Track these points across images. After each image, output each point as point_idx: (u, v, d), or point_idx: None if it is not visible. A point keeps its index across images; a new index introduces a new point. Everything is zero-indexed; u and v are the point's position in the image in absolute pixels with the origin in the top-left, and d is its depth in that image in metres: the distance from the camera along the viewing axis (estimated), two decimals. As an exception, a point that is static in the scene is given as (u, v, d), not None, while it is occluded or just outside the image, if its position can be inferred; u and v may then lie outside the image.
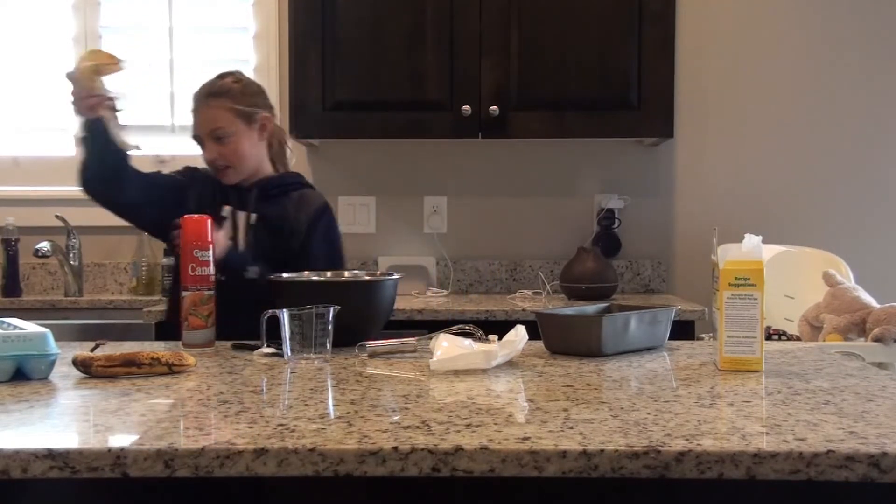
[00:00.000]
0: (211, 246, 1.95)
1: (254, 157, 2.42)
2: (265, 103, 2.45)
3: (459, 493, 1.20)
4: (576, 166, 3.56)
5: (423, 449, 1.10)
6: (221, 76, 2.43)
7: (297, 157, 3.57)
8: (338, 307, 1.77)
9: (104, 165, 2.33)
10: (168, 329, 2.83)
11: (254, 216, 2.38)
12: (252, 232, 2.37)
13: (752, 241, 1.66)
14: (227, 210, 2.38)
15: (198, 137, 2.40)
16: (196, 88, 2.42)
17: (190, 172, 2.51)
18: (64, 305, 3.33)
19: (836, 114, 3.54)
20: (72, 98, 2.31)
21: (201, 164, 2.47)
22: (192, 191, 2.43)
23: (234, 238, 2.35)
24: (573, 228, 3.56)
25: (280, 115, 3.53)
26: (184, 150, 3.58)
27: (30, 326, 1.64)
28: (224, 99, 2.37)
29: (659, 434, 1.17)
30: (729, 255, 1.65)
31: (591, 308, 2.03)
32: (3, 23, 3.62)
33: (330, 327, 1.76)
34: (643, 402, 1.36)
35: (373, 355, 1.81)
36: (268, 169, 2.47)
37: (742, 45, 3.54)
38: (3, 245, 3.45)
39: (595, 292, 3.16)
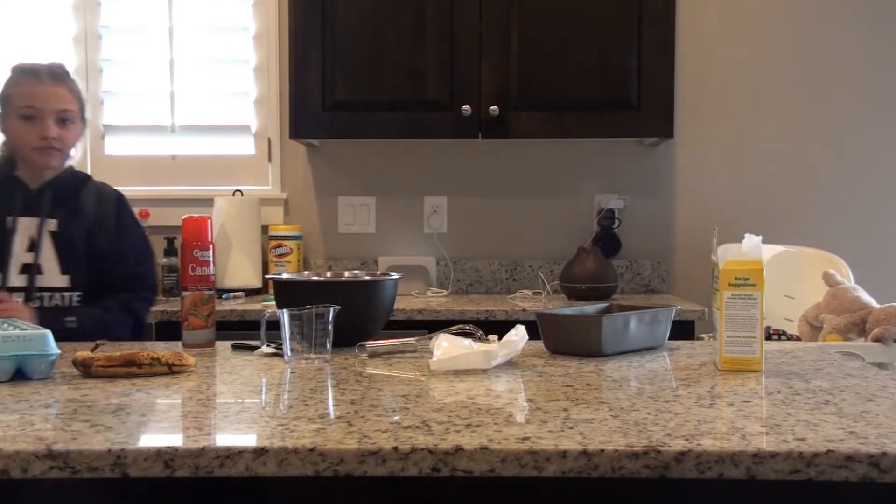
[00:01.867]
0: (211, 246, 1.96)
1: (73, 155, 2.35)
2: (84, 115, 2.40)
3: (459, 493, 1.20)
4: (576, 166, 3.56)
5: (423, 449, 1.10)
6: (56, 63, 2.35)
7: (295, 158, 3.59)
8: (338, 307, 1.77)
9: None
10: (170, 329, 2.84)
11: (52, 222, 2.26)
12: (53, 240, 2.25)
13: (752, 241, 1.66)
14: (10, 221, 2.24)
15: (32, 108, 2.25)
16: (26, 64, 2.33)
17: None
18: (64, 305, 3.32)
19: (836, 114, 3.54)
20: None
21: None
22: None
23: (32, 249, 2.22)
24: (573, 228, 3.56)
25: (280, 115, 3.55)
26: (184, 149, 3.60)
27: (30, 326, 1.64)
28: (72, 83, 2.32)
29: (659, 434, 1.17)
30: (729, 255, 1.65)
31: (591, 308, 2.03)
32: (3, 23, 3.62)
33: (330, 327, 1.76)
34: (643, 402, 1.36)
35: (373, 355, 1.81)
36: (63, 166, 2.35)
37: (742, 45, 3.54)
38: (3, 245, 3.45)
39: (595, 292, 3.16)
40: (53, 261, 2.24)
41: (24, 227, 2.24)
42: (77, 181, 2.35)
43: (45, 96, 2.26)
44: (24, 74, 2.30)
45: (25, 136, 2.25)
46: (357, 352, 1.83)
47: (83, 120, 2.35)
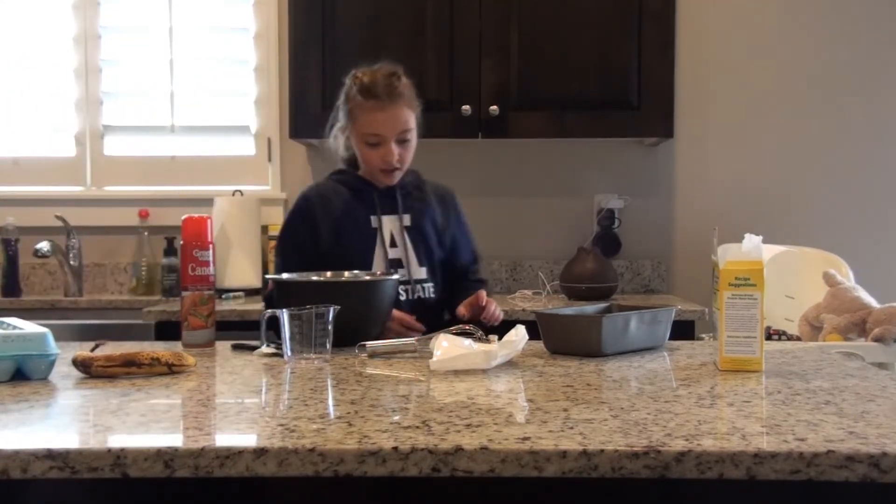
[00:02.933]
0: (211, 246, 1.95)
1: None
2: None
3: (459, 493, 1.20)
4: (576, 166, 3.56)
5: (423, 449, 1.10)
6: (395, 74, 2.29)
7: (295, 158, 3.59)
8: (338, 307, 1.77)
9: None
10: (170, 329, 2.84)
11: (406, 217, 2.34)
12: (409, 234, 2.32)
13: (752, 241, 1.66)
14: (374, 220, 2.32)
15: (377, 136, 2.26)
16: (364, 82, 2.27)
17: (312, 203, 2.34)
18: (64, 305, 3.33)
19: (836, 113, 3.53)
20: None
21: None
22: (329, 219, 2.31)
23: (394, 245, 2.30)
24: (573, 228, 3.55)
25: (280, 115, 3.54)
26: (184, 150, 3.60)
27: (30, 326, 1.64)
28: (408, 99, 2.29)
29: (659, 434, 1.16)
30: (729, 255, 1.65)
31: (591, 308, 2.03)
32: (4, 23, 3.62)
33: (330, 327, 1.76)
34: (643, 402, 1.36)
35: (373, 355, 1.81)
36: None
37: (742, 45, 3.54)
38: (3, 245, 3.45)
39: (595, 292, 3.16)
40: (412, 254, 2.32)
41: (386, 225, 2.32)
42: (416, 178, 2.42)
43: (387, 122, 2.26)
44: (366, 96, 2.26)
45: (370, 158, 2.30)
46: (357, 352, 1.83)
47: (418, 120, 2.34)
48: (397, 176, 2.32)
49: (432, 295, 2.33)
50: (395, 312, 2.13)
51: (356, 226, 2.30)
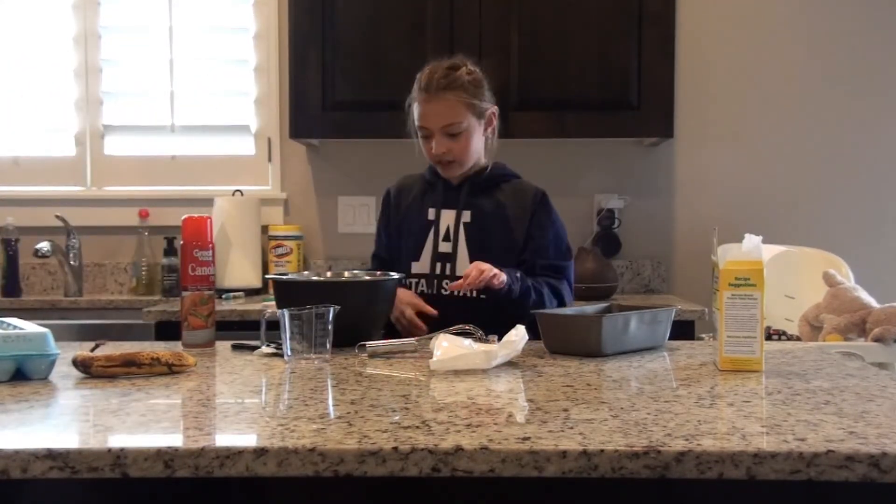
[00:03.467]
0: (211, 246, 1.95)
1: (478, 151, 2.31)
2: (490, 96, 2.32)
3: (459, 493, 1.20)
4: (576, 166, 3.56)
5: (423, 449, 1.10)
6: (454, 66, 2.27)
7: (294, 158, 3.59)
8: (338, 307, 1.77)
9: None
10: (170, 329, 2.84)
11: (467, 213, 2.30)
12: (465, 230, 2.29)
13: (752, 241, 1.66)
14: (433, 213, 2.31)
15: (423, 129, 2.26)
16: (423, 75, 2.27)
17: (390, 195, 2.43)
18: (64, 305, 3.33)
19: (836, 114, 3.53)
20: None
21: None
22: (399, 210, 2.38)
23: (448, 239, 2.28)
24: (573, 228, 3.52)
25: (280, 115, 3.54)
26: (184, 149, 3.60)
27: (30, 326, 1.64)
28: (459, 91, 2.23)
29: (659, 434, 1.16)
30: (729, 255, 1.65)
31: (591, 308, 2.03)
32: (4, 23, 3.62)
33: (330, 327, 1.76)
34: (643, 402, 1.36)
35: (373, 355, 1.81)
36: (481, 162, 2.34)
37: (742, 44, 3.54)
38: (3, 245, 3.45)
39: (595, 292, 3.16)
40: (464, 251, 2.28)
41: (444, 219, 2.31)
42: (497, 177, 2.35)
43: (432, 114, 2.24)
44: (420, 88, 2.26)
45: (425, 151, 2.30)
46: (357, 352, 1.83)
47: (479, 116, 2.28)
48: (455, 168, 2.29)
49: (482, 295, 2.19)
50: (408, 296, 2.15)
51: (416, 217, 2.33)
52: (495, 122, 2.34)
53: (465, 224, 2.29)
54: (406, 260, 2.30)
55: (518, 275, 2.16)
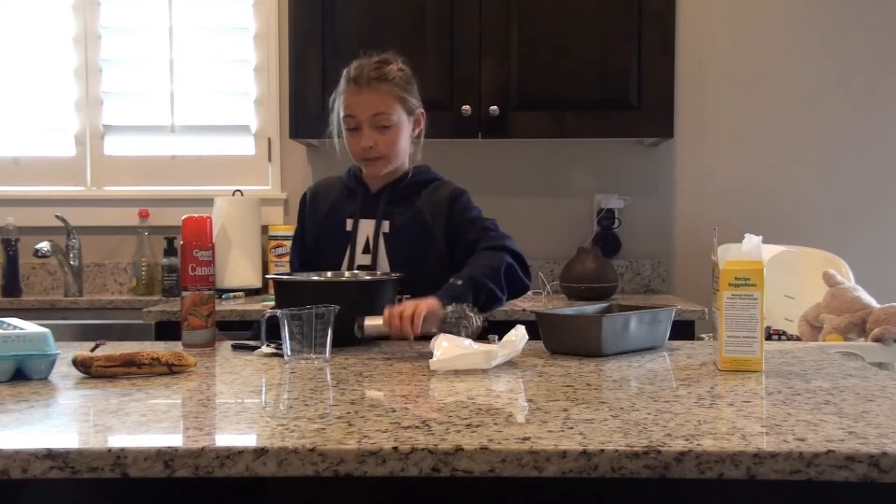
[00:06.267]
0: (211, 246, 1.95)
1: (404, 152, 2.24)
2: (419, 99, 2.27)
3: (459, 493, 1.20)
4: (576, 166, 3.56)
5: (423, 449, 1.10)
6: (385, 61, 2.21)
7: (295, 158, 3.59)
8: (338, 307, 1.77)
9: None
10: (170, 329, 2.84)
11: (386, 223, 2.22)
12: (385, 240, 2.21)
13: (752, 241, 1.66)
14: (350, 223, 2.24)
15: (351, 119, 2.19)
16: (351, 68, 2.21)
17: (306, 200, 2.35)
18: (64, 305, 3.33)
19: (836, 114, 3.53)
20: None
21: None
22: (315, 218, 2.30)
23: (367, 251, 2.21)
24: (573, 228, 3.55)
25: (280, 115, 3.54)
26: (184, 149, 3.60)
27: (30, 326, 1.64)
28: (391, 85, 2.18)
29: (659, 434, 1.16)
30: (729, 255, 1.65)
31: (591, 308, 2.03)
32: (4, 23, 3.62)
33: (330, 327, 1.76)
34: (643, 402, 1.36)
35: (366, 336, 1.87)
36: (403, 167, 2.28)
37: (742, 44, 3.54)
38: (3, 245, 3.45)
39: (595, 292, 3.16)
40: (385, 262, 2.21)
41: (363, 230, 2.23)
42: (419, 183, 2.27)
43: (361, 105, 2.17)
44: (348, 81, 2.21)
45: (350, 146, 2.22)
46: (356, 326, 1.86)
47: (409, 112, 2.23)
48: (381, 166, 2.22)
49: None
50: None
51: (334, 227, 2.26)
52: (423, 126, 2.29)
53: (384, 234, 2.22)
54: (325, 270, 2.20)
55: (459, 282, 2.00)
